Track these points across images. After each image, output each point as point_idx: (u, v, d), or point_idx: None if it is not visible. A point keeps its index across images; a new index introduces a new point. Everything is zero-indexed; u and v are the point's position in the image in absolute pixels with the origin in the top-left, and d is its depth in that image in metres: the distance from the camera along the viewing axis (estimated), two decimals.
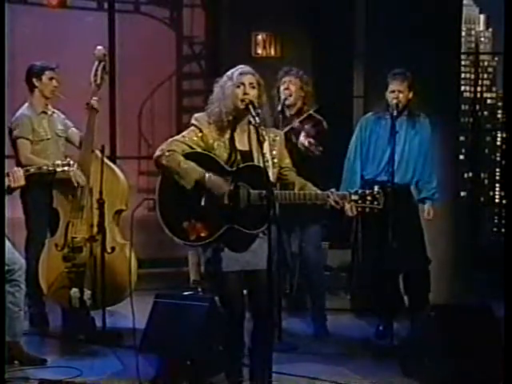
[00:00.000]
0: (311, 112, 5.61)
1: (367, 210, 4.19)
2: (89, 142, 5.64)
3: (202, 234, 4.13)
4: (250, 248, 4.17)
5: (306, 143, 5.38)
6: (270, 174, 4.10)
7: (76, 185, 5.55)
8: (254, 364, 4.28)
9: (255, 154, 4.17)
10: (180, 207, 4.15)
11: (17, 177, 4.62)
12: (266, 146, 4.15)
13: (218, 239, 4.13)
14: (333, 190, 4.17)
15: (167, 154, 4.12)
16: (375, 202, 4.13)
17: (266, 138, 4.17)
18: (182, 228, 4.14)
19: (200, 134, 4.19)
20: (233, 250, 4.16)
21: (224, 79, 4.22)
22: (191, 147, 4.17)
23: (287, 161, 4.36)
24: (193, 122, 4.24)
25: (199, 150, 4.18)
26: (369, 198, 4.13)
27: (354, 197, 4.15)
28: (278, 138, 4.30)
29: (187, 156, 4.14)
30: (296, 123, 5.51)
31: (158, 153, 4.17)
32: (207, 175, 4.08)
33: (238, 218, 4.09)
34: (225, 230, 4.09)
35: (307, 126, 5.54)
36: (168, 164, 4.12)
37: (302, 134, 5.42)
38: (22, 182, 4.66)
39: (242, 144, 4.22)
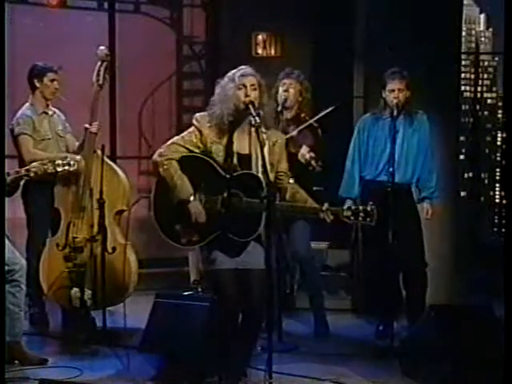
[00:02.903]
0: (312, 122, 5.58)
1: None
2: (91, 141, 5.64)
3: (194, 239, 4.19)
4: (244, 250, 4.18)
5: (308, 157, 5.34)
6: (270, 177, 4.12)
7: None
8: (233, 358, 4.30)
9: (254, 158, 4.17)
10: (174, 209, 4.19)
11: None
12: (265, 149, 4.15)
13: (209, 244, 4.15)
14: (326, 204, 4.15)
15: (165, 162, 4.19)
16: (368, 219, 4.08)
17: (267, 141, 4.18)
18: (175, 230, 4.19)
19: (199, 136, 4.21)
20: (225, 254, 4.18)
21: (225, 80, 4.22)
22: (190, 150, 4.20)
23: (284, 166, 4.35)
24: (193, 122, 4.26)
25: (197, 151, 4.20)
26: (361, 214, 4.08)
27: (346, 213, 4.10)
28: (279, 142, 4.30)
29: (184, 160, 4.17)
30: (295, 133, 5.48)
31: (157, 158, 4.24)
32: (191, 198, 4.14)
33: (230, 225, 4.12)
34: (215, 236, 4.12)
35: (307, 137, 5.51)
36: (163, 174, 4.22)
37: (304, 147, 5.38)
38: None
39: (241, 147, 4.22)
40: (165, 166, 4.20)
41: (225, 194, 4.13)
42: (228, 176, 4.15)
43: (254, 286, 4.16)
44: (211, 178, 4.15)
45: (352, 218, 4.10)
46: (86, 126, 5.57)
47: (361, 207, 4.10)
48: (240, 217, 4.11)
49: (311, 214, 4.18)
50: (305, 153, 5.34)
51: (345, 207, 4.14)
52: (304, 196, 4.25)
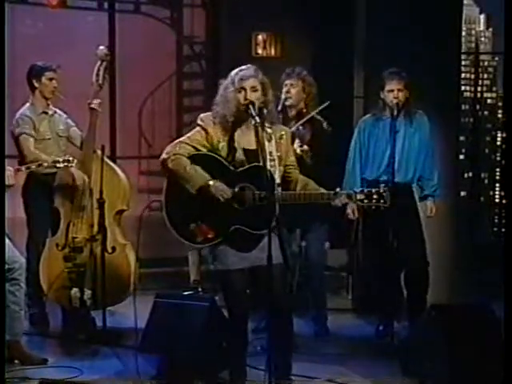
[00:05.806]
0: (313, 114, 5.60)
1: (373, 207, 4.13)
2: (90, 141, 5.65)
3: (209, 236, 4.16)
4: (258, 245, 4.17)
5: (298, 151, 5.34)
6: (277, 172, 4.13)
7: (78, 184, 5.55)
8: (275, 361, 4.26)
9: (261, 153, 4.16)
10: (187, 209, 4.17)
11: (7, 176, 4.63)
12: (272, 144, 4.16)
13: (225, 240, 4.14)
14: (337, 189, 4.16)
15: (173, 157, 4.16)
16: (381, 201, 4.08)
17: (273, 136, 4.19)
18: (189, 230, 4.17)
19: (205, 135, 4.21)
20: (240, 250, 4.16)
21: (227, 81, 4.22)
22: (196, 148, 4.19)
23: (292, 159, 4.37)
24: (198, 122, 4.26)
25: (204, 150, 4.20)
26: (375, 196, 4.08)
27: (359, 196, 4.11)
28: (284, 136, 4.30)
29: (193, 158, 4.16)
30: (294, 129, 5.49)
31: (164, 156, 4.20)
32: (211, 182, 4.11)
33: (244, 219, 4.10)
34: (231, 231, 4.10)
35: (304, 131, 5.52)
36: (174, 168, 4.16)
37: (297, 140, 5.39)
38: (12, 182, 4.67)
39: (248, 143, 4.22)
40: (173, 159, 4.15)
41: (236, 189, 4.13)
42: (237, 170, 4.15)
43: (274, 281, 4.01)
44: (221, 173, 4.14)
45: (365, 200, 4.09)
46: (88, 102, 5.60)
47: (373, 190, 4.10)
48: (254, 209, 4.10)
49: (324, 199, 4.14)
50: (296, 147, 5.35)
51: (357, 190, 4.14)
52: (315, 186, 4.25)
